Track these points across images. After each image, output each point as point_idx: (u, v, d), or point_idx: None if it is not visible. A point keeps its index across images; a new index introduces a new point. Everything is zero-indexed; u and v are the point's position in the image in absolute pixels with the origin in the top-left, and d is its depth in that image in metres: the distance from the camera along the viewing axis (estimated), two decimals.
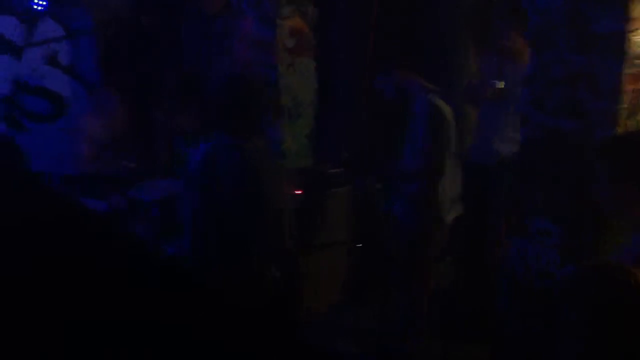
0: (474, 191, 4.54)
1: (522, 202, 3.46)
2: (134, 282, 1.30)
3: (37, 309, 1.23)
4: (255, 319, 1.26)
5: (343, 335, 4.44)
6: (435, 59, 4.96)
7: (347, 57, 5.56)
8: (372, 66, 4.90)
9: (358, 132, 5.47)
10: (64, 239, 1.44)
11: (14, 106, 5.52)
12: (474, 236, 4.72)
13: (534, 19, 3.29)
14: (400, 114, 4.03)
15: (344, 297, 4.77)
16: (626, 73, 3.06)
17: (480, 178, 4.55)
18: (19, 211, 1.50)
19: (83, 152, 5.03)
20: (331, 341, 4.31)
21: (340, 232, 4.77)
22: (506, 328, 3.62)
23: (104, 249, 1.44)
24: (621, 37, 3.02)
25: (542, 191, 3.34)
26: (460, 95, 4.84)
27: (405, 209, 4.08)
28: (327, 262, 4.66)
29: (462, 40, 5.34)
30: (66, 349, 1.17)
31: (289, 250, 3.17)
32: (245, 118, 3.18)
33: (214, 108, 3.54)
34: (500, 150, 4.41)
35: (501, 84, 4.27)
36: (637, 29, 3.01)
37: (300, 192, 4.43)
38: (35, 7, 5.34)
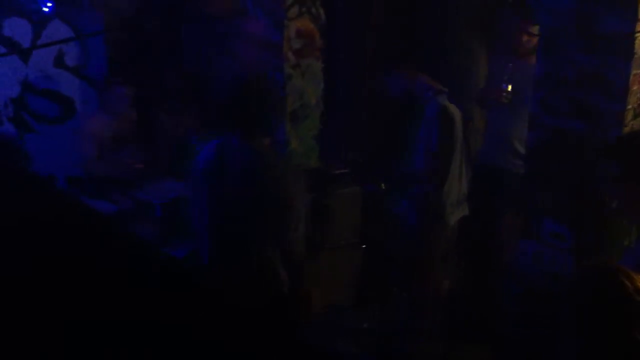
0: (483, 193, 4.52)
1: (533, 205, 3.45)
2: (134, 282, 1.30)
3: (38, 308, 1.23)
4: (255, 319, 1.26)
5: (345, 336, 4.43)
6: (441, 60, 4.95)
7: (352, 58, 5.55)
8: (377, 67, 4.89)
9: (364, 133, 5.46)
10: (65, 239, 1.44)
11: (22, 108, 5.54)
12: (481, 238, 4.70)
13: (543, 20, 3.29)
14: (407, 114, 4.02)
15: (347, 298, 4.76)
16: (633, 73, 3.05)
17: (489, 180, 4.53)
18: (20, 211, 1.51)
19: (90, 154, 5.03)
20: (333, 342, 4.31)
21: (346, 234, 4.76)
22: (514, 331, 3.60)
23: (105, 249, 1.44)
24: (630, 37, 3.01)
25: (553, 194, 3.33)
26: (468, 96, 4.82)
27: (412, 210, 4.08)
28: (332, 263, 4.65)
29: (468, 41, 5.32)
30: (66, 349, 1.17)
31: (296, 251, 3.16)
32: (253, 118, 3.18)
33: (220, 108, 3.54)
34: (513, 152, 4.40)
35: (509, 87, 4.25)
36: None
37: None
38: (43, 8, 5.36)
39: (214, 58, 5.61)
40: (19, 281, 1.29)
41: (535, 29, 4.04)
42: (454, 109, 3.89)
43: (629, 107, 3.11)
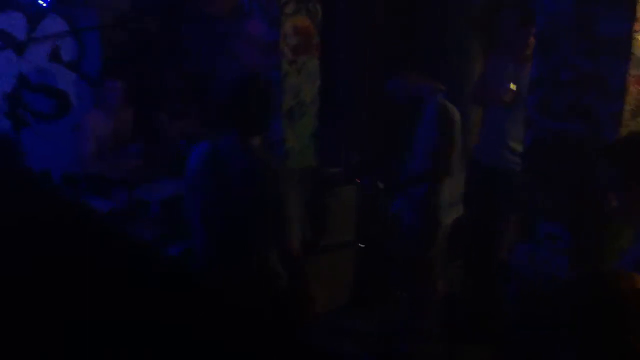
0: (480, 193, 4.53)
1: (529, 206, 3.45)
2: (134, 282, 1.30)
3: (37, 309, 1.23)
4: (255, 319, 1.26)
5: (345, 336, 4.43)
6: (440, 60, 4.95)
7: (351, 56, 5.55)
8: (376, 67, 4.89)
9: (362, 131, 5.47)
10: (63, 238, 1.43)
11: (17, 103, 5.52)
12: (481, 239, 4.71)
13: (541, 21, 3.28)
14: (410, 116, 4.02)
15: (344, 298, 4.76)
16: (631, 75, 3.05)
17: (487, 180, 4.54)
18: (17, 210, 1.50)
19: (86, 151, 5.02)
20: (333, 342, 4.30)
21: (344, 233, 4.76)
22: (513, 332, 3.61)
23: (103, 249, 1.43)
24: (628, 38, 3.01)
25: (549, 195, 3.33)
26: (466, 96, 4.83)
27: (409, 209, 4.08)
28: (331, 263, 4.65)
29: (468, 41, 5.32)
30: (66, 349, 1.17)
31: (293, 250, 3.15)
32: (248, 117, 3.17)
33: (217, 107, 3.53)
34: (508, 151, 4.41)
35: (512, 87, 4.25)
36: None
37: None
38: (38, 2, 5.34)
39: (214, 58, 5.60)
40: (14, 280, 1.29)
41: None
42: (452, 109, 3.89)
43: (627, 108, 3.11)
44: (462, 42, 5.30)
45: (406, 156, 4.06)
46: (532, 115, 3.38)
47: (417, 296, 4.16)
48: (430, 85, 3.95)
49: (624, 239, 3.15)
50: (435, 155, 3.85)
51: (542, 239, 3.37)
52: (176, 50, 5.90)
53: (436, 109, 3.85)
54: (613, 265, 3.02)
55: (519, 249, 3.51)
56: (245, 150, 3.13)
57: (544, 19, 3.25)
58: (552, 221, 3.34)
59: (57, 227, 1.48)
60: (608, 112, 3.10)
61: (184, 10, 5.84)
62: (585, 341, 2.19)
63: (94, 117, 5.15)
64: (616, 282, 2.14)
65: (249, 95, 3.16)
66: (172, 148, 5.10)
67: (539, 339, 3.38)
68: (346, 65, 5.57)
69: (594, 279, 2.25)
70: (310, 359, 1.22)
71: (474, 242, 4.76)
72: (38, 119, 5.60)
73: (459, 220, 4.17)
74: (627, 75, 3.04)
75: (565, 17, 3.14)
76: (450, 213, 4.06)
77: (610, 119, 3.10)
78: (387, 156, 4.82)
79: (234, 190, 3.11)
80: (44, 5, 5.35)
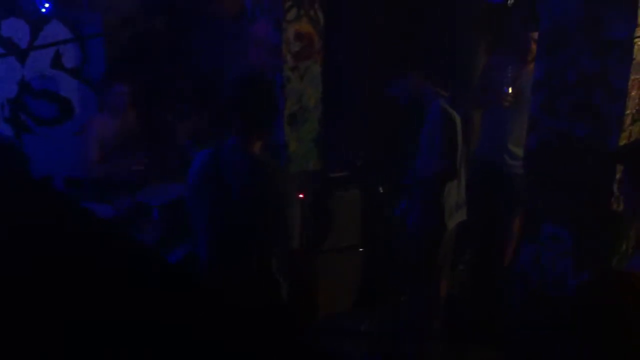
0: (483, 195, 4.52)
1: (533, 207, 3.44)
2: (134, 282, 1.29)
3: (37, 309, 1.22)
4: (255, 319, 1.25)
5: (350, 337, 4.43)
6: (442, 63, 4.95)
7: (354, 62, 5.55)
8: (378, 71, 4.89)
9: (364, 135, 5.46)
10: (64, 242, 1.43)
11: (20, 109, 5.53)
12: (484, 241, 4.70)
13: (547, 23, 3.28)
14: (413, 119, 4.02)
15: (348, 300, 4.75)
16: (632, 78, 3.05)
17: (489, 182, 4.53)
18: (17, 215, 1.50)
19: (91, 155, 5.03)
20: (338, 343, 4.30)
21: (348, 236, 4.76)
22: (518, 334, 3.60)
23: (104, 251, 1.43)
24: (630, 41, 3.01)
25: (554, 196, 3.32)
26: (468, 99, 4.82)
27: (418, 213, 4.07)
28: (335, 266, 4.65)
29: (470, 44, 5.32)
30: (66, 349, 1.16)
31: (295, 252, 3.15)
32: (251, 120, 3.18)
33: (221, 110, 3.54)
34: (509, 153, 4.40)
35: (509, 90, 4.25)
36: None
37: (301, 196, 4.42)
38: (40, 9, 5.35)
39: (220, 60, 5.61)
40: (15, 283, 1.28)
41: None
42: (453, 113, 3.90)
43: (628, 112, 3.10)
44: (465, 44, 5.30)
45: (410, 159, 4.06)
46: (537, 115, 3.37)
47: (422, 298, 4.15)
48: (432, 89, 3.96)
49: (630, 240, 3.15)
50: (438, 159, 3.85)
51: (546, 241, 3.36)
52: (182, 52, 5.91)
53: (438, 114, 3.85)
54: (619, 266, 3.01)
55: (523, 251, 3.50)
56: (245, 154, 3.13)
57: (550, 21, 3.25)
58: (556, 223, 3.33)
59: (56, 231, 1.48)
60: (612, 114, 3.10)
61: (190, 12, 5.84)
62: (592, 342, 2.18)
63: (99, 121, 5.15)
64: (625, 284, 2.13)
65: (250, 98, 3.17)
66: (178, 150, 5.10)
67: (540, 340, 3.37)
68: (349, 69, 5.57)
69: (603, 281, 2.24)
70: (311, 359, 1.21)
71: (477, 244, 4.75)
72: (40, 124, 5.61)
73: (463, 222, 4.16)
74: (629, 77, 3.04)
75: (571, 18, 3.14)
76: (455, 215, 4.05)
77: (613, 121, 3.09)
78: (390, 159, 4.82)
79: (234, 193, 3.11)
80: (46, 11, 5.36)
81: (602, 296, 2.17)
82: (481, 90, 4.65)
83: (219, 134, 3.46)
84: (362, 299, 4.78)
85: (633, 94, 3.08)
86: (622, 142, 3.11)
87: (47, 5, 5.36)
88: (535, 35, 4.10)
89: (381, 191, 4.75)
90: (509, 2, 4.90)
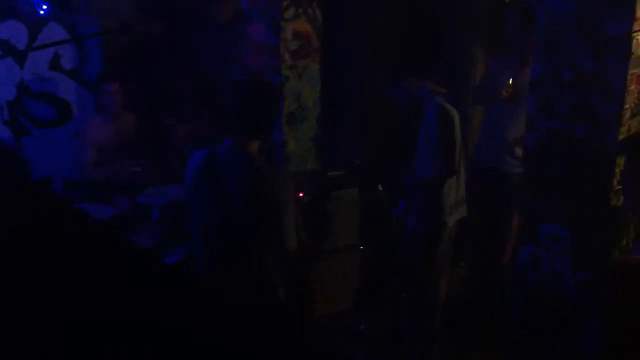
0: (481, 195, 4.52)
1: (532, 207, 3.44)
2: (134, 282, 1.29)
3: (37, 310, 1.23)
4: (255, 319, 1.25)
5: (350, 339, 4.42)
6: (441, 62, 4.95)
7: (352, 61, 5.56)
8: (377, 70, 4.89)
9: (363, 135, 5.46)
10: (64, 243, 1.43)
11: (18, 111, 5.54)
12: (483, 240, 4.70)
13: (544, 22, 3.28)
14: (412, 119, 4.01)
15: (347, 300, 4.75)
16: (630, 73, 3.05)
17: (488, 182, 4.53)
18: (15, 217, 1.50)
19: (88, 157, 5.03)
20: (338, 345, 4.29)
21: (347, 236, 4.75)
22: (518, 334, 3.60)
23: (104, 252, 1.43)
24: (628, 38, 3.01)
25: (552, 196, 3.32)
26: (467, 97, 4.82)
27: (416, 212, 4.07)
28: (335, 266, 4.64)
29: (469, 43, 5.32)
30: (66, 350, 1.17)
31: (294, 253, 3.15)
32: (248, 122, 3.18)
33: (221, 110, 3.55)
34: (509, 153, 4.40)
35: (509, 81, 4.24)
36: None
37: (301, 195, 4.42)
38: (38, 11, 5.36)
39: (219, 61, 5.61)
40: (15, 283, 1.28)
41: None
42: (452, 110, 3.88)
43: (627, 106, 3.11)
44: (464, 44, 5.30)
45: (408, 158, 4.05)
46: (534, 115, 3.37)
47: (421, 297, 4.14)
48: (430, 87, 3.95)
49: (630, 235, 3.15)
50: (436, 157, 3.85)
51: (546, 240, 3.36)
52: (180, 54, 5.91)
53: (435, 111, 3.85)
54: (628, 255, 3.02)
55: (523, 251, 3.50)
56: (241, 155, 3.14)
57: (547, 19, 3.25)
58: (555, 222, 3.33)
59: (58, 231, 1.48)
60: (609, 112, 3.10)
61: (188, 14, 5.84)
62: (608, 333, 2.18)
63: (95, 122, 5.15)
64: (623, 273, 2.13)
65: (249, 100, 3.18)
66: (178, 152, 5.10)
67: (540, 340, 3.37)
68: (348, 68, 5.57)
69: (615, 271, 2.23)
70: (311, 359, 1.22)
71: (476, 244, 4.75)
72: (39, 126, 5.61)
73: (462, 221, 4.16)
74: (627, 74, 3.05)
75: (568, 17, 3.14)
76: (454, 214, 4.05)
77: (611, 118, 3.10)
78: (390, 159, 4.82)
79: (229, 194, 3.12)
80: (44, 13, 5.36)
81: (606, 285, 2.17)
82: (481, 89, 4.65)
83: (217, 136, 3.46)
84: (362, 298, 4.77)
85: (632, 88, 3.09)
86: (622, 136, 3.11)
87: (45, 7, 5.36)
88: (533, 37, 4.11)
89: (380, 189, 4.74)
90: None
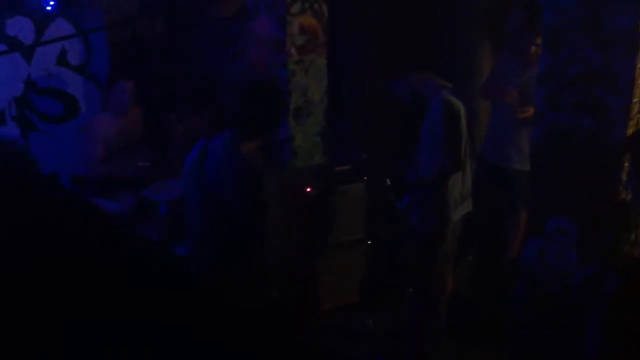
0: (488, 190, 4.50)
1: (538, 202, 3.43)
2: (135, 282, 1.30)
3: (38, 308, 1.23)
4: (255, 319, 1.25)
5: (356, 336, 4.41)
6: (448, 59, 4.93)
7: (359, 56, 5.54)
8: (384, 65, 4.87)
9: (370, 130, 5.45)
10: (65, 243, 1.43)
11: (25, 106, 5.55)
12: (489, 236, 4.68)
13: (549, 16, 3.25)
14: (417, 114, 3.99)
15: (353, 295, 4.74)
16: (639, 67, 3.03)
17: (494, 177, 4.51)
18: (22, 216, 1.50)
19: (96, 153, 5.04)
20: (343, 343, 4.29)
21: (353, 231, 4.74)
22: (518, 334, 3.59)
23: (105, 252, 1.43)
24: (636, 31, 2.98)
25: (558, 190, 3.31)
26: (473, 92, 4.80)
27: (422, 207, 4.04)
28: (340, 261, 4.64)
29: (475, 40, 5.30)
30: (66, 349, 1.17)
31: (294, 250, 3.18)
32: (246, 120, 3.20)
33: (227, 109, 3.56)
34: (516, 149, 4.38)
35: (514, 93, 4.24)
36: None
37: (309, 189, 4.42)
38: (45, 7, 5.37)
39: (223, 58, 5.62)
40: (15, 283, 1.29)
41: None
42: (458, 104, 3.84)
43: (635, 100, 3.08)
44: (469, 40, 5.28)
45: (414, 153, 4.03)
46: (541, 109, 3.35)
47: (427, 294, 4.12)
48: (435, 82, 3.92)
49: (634, 232, 3.14)
50: (442, 152, 3.81)
51: (552, 234, 3.35)
52: (185, 51, 5.92)
53: (440, 105, 3.80)
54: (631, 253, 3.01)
55: (529, 244, 3.49)
56: (233, 152, 3.15)
57: (553, 13, 3.22)
58: (562, 216, 3.32)
59: (59, 231, 1.48)
60: (617, 106, 3.08)
61: (192, 11, 5.85)
62: (612, 329, 2.16)
63: (103, 119, 5.17)
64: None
65: (248, 100, 3.19)
66: (181, 148, 5.11)
67: (549, 337, 3.37)
68: (354, 64, 5.56)
69: (618, 268, 2.22)
70: (310, 359, 1.21)
71: (482, 239, 4.73)
72: (47, 122, 5.63)
73: (468, 216, 4.13)
74: (635, 67, 3.02)
75: (574, 10, 3.12)
76: (460, 208, 4.02)
77: (619, 112, 3.08)
78: (395, 153, 4.80)
79: (213, 186, 3.13)
80: (51, 9, 5.37)
81: (608, 282, 2.16)
82: (489, 88, 4.62)
83: (221, 131, 3.48)
84: (366, 293, 4.76)
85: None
86: (630, 130, 3.09)
87: (52, 3, 5.37)
88: (537, 39, 4.10)
89: (388, 183, 4.72)
90: None
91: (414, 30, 4.97)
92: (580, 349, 2.19)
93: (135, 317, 1.20)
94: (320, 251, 4.52)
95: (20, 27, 5.40)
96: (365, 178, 4.74)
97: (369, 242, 4.77)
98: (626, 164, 3.11)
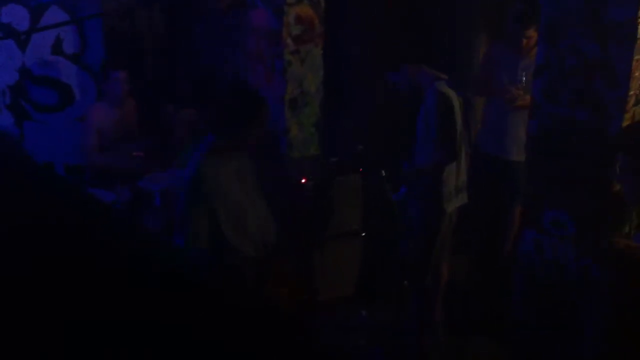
0: (483, 182, 4.51)
1: (535, 193, 3.43)
2: (134, 282, 1.29)
3: (37, 310, 1.23)
4: (255, 319, 1.25)
5: (354, 329, 4.41)
6: (445, 49, 4.92)
7: (356, 47, 5.52)
8: (380, 57, 4.86)
9: (367, 121, 5.44)
10: (65, 242, 1.43)
11: (20, 95, 5.53)
12: (485, 229, 4.69)
13: (548, 8, 3.25)
14: (413, 106, 3.98)
15: (351, 288, 4.74)
16: (635, 59, 3.03)
17: (490, 169, 4.52)
18: (20, 213, 1.50)
19: (91, 143, 5.02)
20: (342, 336, 4.29)
21: (349, 222, 4.74)
22: (518, 334, 3.61)
23: (108, 248, 1.43)
24: (633, 23, 2.98)
25: (555, 182, 3.31)
26: (469, 84, 4.79)
27: (417, 198, 4.05)
28: (337, 253, 4.64)
29: (472, 31, 5.29)
30: (66, 349, 1.17)
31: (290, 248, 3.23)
32: (226, 121, 3.28)
33: (216, 109, 3.64)
34: (511, 141, 4.38)
35: (523, 83, 4.24)
36: None
37: (304, 180, 4.42)
38: None
39: (220, 50, 5.60)
40: (15, 283, 1.28)
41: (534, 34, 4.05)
42: (453, 95, 3.83)
43: (631, 92, 3.09)
44: (468, 33, 5.27)
45: (410, 144, 4.03)
46: (538, 102, 3.35)
47: (423, 286, 4.13)
48: (430, 74, 3.91)
49: (629, 224, 3.15)
50: (436, 143, 3.81)
51: (548, 227, 3.36)
52: (182, 42, 5.90)
53: (434, 97, 3.79)
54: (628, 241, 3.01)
55: (525, 237, 3.49)
56: (212, 151, 3.22)
57: (551, 5, 3.22)
58: (558, 208, 3.32)
59: (58, 229, 1.48)
60: (612, 98, 3.08)
61: (190, 2, 5.82)
62: (614, 317, 2.17)
63: (98, 108, 5.15)
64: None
65: (229, 103, 3.27)
66: (178, 139, 5.10)
67: (548, 329, 3.38)
68: (351, 55, 5.54)
69: (617, 256, 2.23)
70: (310, 358, 1.21)
71: (482, 233, 4.74)
72: (41, 111, 5.60)
73: (464, 208, 4.14)
74: (632, 60, 3.02)
75: (572, 2, 3.11)
76: (454, 200, 4.02)
77: (615, 105, 3.08)
78: (391, 145, 4.80)
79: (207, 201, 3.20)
80: None
81: (608, 270, 2.17)
82: (482, 81, 4.62)
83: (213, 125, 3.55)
84: (363, 286, 4.76)
85: (637, 74, 3.06)
86: (626, 123, 3.09)
87: None
88: (531, 32, 4.09)
89: (384, 174, 4.72)
90: None
91: (412, 21, 4.95)
92: (579, 350, 2.19)
93: (135, 317, 1.20)
94: (317, 243, 4.52)
95: (15, 15, 5.36)
96: (361, 170, 4.73)
97: (362, 235, 4.76)
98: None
